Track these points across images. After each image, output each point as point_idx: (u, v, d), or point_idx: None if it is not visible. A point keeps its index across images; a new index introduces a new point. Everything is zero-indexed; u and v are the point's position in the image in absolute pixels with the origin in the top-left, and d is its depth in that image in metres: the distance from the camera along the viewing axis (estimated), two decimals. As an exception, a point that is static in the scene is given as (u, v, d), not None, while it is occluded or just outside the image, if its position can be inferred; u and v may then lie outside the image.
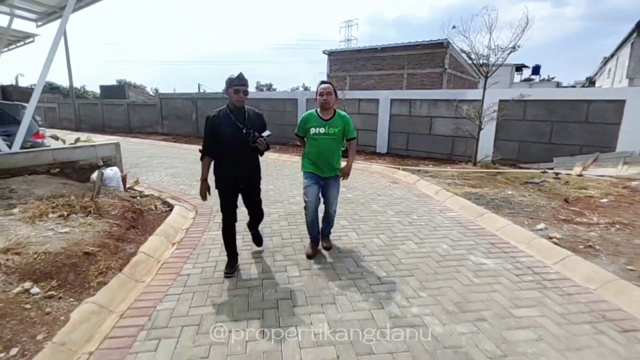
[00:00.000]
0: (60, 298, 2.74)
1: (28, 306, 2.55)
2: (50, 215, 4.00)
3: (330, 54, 19.58)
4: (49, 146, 7.33)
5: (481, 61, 8.52)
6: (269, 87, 56.20)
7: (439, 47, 13.81)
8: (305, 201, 3.51)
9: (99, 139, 12.90)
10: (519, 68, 36.27)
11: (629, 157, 7.48)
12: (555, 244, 3.68)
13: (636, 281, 2.86)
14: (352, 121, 3.63)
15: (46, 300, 2.67)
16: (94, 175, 6.29)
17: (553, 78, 38.22)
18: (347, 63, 18.86)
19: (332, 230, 3.91)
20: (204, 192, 3.22)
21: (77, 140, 7.70)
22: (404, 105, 11.28)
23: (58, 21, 9.34)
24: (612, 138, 7.82)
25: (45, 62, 6.45)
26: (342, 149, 3.67)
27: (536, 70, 36.64)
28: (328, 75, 19.22)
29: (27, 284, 2.74)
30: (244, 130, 2.98)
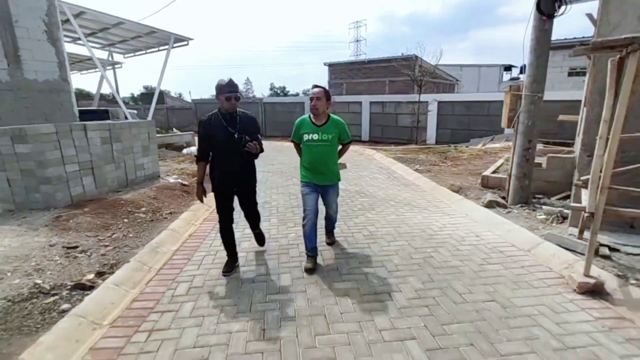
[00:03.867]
0: (207, 184, 7.29)
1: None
2: (184, 162, 8.61)
3: (330, 65, 24.12)
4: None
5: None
6: (283, 90, 61.21)
7: (411, 60, 18.11)
8: (304, 210, 3.30)
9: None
10: (508, 68, 39.76)
11: (511, 137, 11.70)
12: (414, 170, 8.05)
13: (430, 179, 7.22)
14: (344, 118, 3.58)
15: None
16: (185, 150, 11.01)
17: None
18: (343, 72, 23.34)
19: (336, 225, 3.89)
20: (200, 194, 3.22)
21: (169, 131, 12.41)
22: (379, 106, 15.73)
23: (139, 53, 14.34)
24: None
25: (157, 83, 11.17)
26: None
27: (523, 69, 39.93)
28: (329, 83, 23.73)
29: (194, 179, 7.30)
30: (236, 135, 2.94)
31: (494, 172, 6.21)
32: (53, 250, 3.65)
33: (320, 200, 3.44)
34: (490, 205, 5.05)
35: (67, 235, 4.04)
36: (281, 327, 2.43)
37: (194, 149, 10.80)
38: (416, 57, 16.99)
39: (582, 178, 2.95)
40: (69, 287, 2.96)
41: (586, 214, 2.54)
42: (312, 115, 3.31)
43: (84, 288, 2.97)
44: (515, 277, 2.99)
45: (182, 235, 4.34)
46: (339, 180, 3.50)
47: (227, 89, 2.94)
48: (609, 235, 3.41)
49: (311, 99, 3.23)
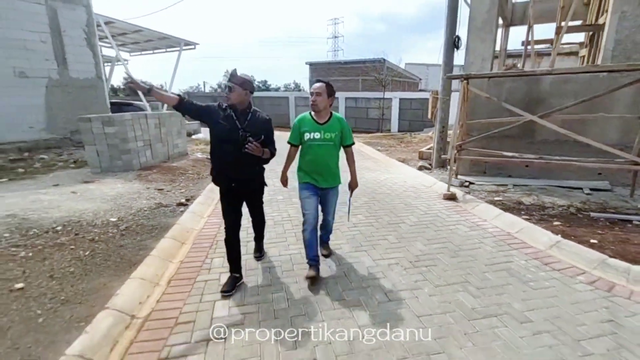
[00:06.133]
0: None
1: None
2: (200, 144, 10.70)
3: (311, 64, 26.35)
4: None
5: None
6: (265, 83, 62.94)
7: (379, 62, 20.65)
8: (303, 215, 2.99)
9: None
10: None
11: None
12: (376, 149, 10.53)
13: (386, 155, 9.70)
14: None
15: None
16: (193, 136, 13.03)
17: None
18: (322, 71, 25.59)
19: (330, 237, 3.60)
20: (141, 86, 2.58)
21: (179, 121, 14.32)
22: (352, 101, 18.16)
23: (145, 52, 16.02)
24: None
25: (170, 81, 13.07)
26: None
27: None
28: (310, 80, 25.94)
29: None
30: (241, 132, 2.68)
31: (428, 149, 8.74)
32: (150, 190, 5.83)
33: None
34: (420, 168, 7.55)
35: (152, 184, 6.21)
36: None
37: (201, 135, 12.87)
38: (384, 60, 19.49)
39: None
40: (174, 204, 5.17)
41: (447, 159, 5.03)
42: (312, 113, 2.99)
43: (183, 205, 5.19)
44: (418, 196, 5.50)
45: (223, 186, 6.58)
46: (340, 183, 3.19)
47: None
48: (472, 177, 5.99)
49: (311, 94, 2.93)
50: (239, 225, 2.99)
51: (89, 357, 2.11)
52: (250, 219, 3.35)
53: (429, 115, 7.76)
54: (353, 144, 3.17)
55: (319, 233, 3.22)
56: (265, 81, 65.14)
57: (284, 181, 3.22)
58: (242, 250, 3.10)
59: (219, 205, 3.74)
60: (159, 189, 5.88)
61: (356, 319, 2.45)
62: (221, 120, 2.71)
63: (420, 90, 26.34)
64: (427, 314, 2.50)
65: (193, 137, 12.89)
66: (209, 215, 4.79)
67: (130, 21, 12.15)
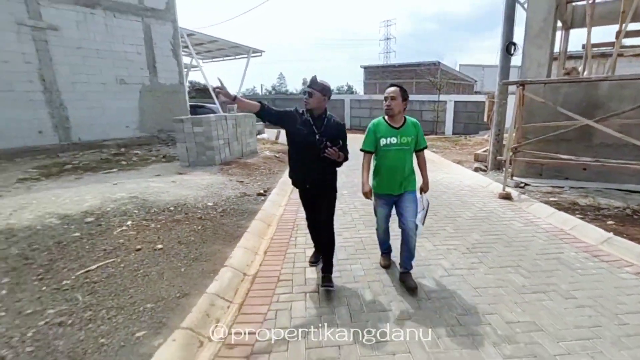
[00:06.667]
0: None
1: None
2: (266, 143, 11.73)
3: (365, 68, 26.88)
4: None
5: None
6: (316, 86, 64.32)
7: (434, 65, 20.54)
8: (377, 222, 3.24)
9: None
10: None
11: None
12: (431, 151, 10.79)
13: (441, 156, 9.95)
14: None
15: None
16: (259, 136, 14.16)
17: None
18: (376, 74, 26.01)
19: (414, 262, 3.11)
20: (227, 93, 2.60)
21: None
22: (406, 103, 18.38)
23: (215, 59, 17.40)
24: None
25: (239, 86, 14.33)
26: None
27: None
28: (364, 83, 26.51)
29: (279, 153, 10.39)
30: (317, 137, 2.76)
31: (484, 151, 8.87)
32: (233, 182, 6.76)
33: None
34: (475, 170, 7.77)
35: (233, 177, 7.16)
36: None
37: (265, 135, 13.96)
38: (438, 63, 19.41)
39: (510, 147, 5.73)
40: (255, 194, 6.02)
41: (503, 160, 5.32)
42: (387, 117, 2.95)
43: (261, 195, 6.01)
44: (473, 194, 5.83)
45: (292, 180, 7.37)
46: (415, 189, 3.11)
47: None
48: (528, 179, 6.17)
49: (385, 99, 2.90)
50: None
51: (222, 296, 2.88)
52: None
53: (485, 119, 7.95)
54: (426, 147, 3.12)
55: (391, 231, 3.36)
56: (318, 83, 66.54)
57: (367, 193, 2.97)
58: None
59: (293, 196, 4.43)
60: (239, 181, 6.81)
61: (421, 287, 3.00)
62: (299, 125, 2.82)
63: (476, 93, 25.61)
64: (482, 286, 2.97)
65: (258, 137, 14.01)
66: (285, 205, 5.56)
67: (203, 31, 13.61)
